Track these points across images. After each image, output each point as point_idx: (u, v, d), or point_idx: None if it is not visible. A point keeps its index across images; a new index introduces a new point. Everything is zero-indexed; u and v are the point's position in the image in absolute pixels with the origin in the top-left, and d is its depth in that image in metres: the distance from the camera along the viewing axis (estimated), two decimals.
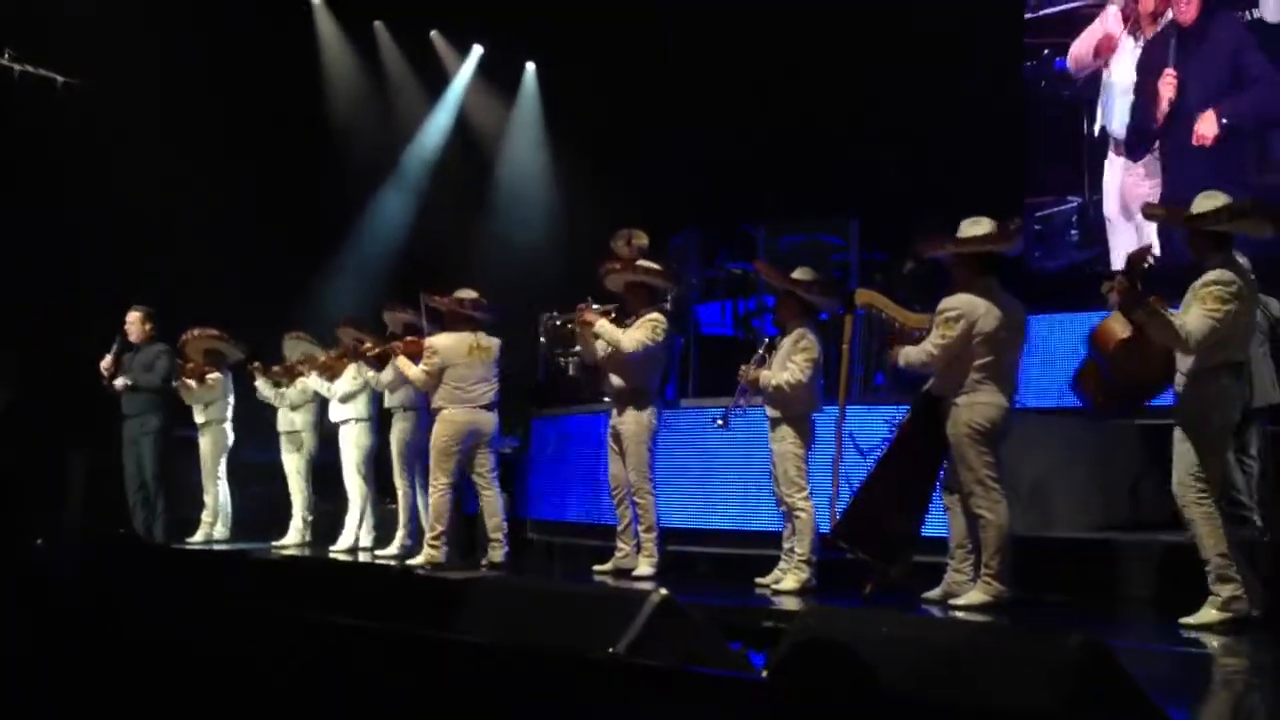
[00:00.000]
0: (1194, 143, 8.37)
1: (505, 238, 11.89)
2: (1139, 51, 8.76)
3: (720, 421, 6.64)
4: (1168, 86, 8.53)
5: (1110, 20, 8.97)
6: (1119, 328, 5.19)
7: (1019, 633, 3.58)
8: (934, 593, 5.80)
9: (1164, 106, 8.55)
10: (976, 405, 5.61)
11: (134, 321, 8.92)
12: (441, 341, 7.50)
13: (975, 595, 5.56)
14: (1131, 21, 8.79)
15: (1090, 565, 6.17)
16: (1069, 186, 9.12)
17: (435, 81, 12.44)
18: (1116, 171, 8.86)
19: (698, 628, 3.25)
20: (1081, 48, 9.11)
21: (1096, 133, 9.01)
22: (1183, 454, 5.06)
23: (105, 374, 8.81)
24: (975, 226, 5.73)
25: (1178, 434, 5.10)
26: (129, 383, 8.79)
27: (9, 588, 3.74)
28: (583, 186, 11.32)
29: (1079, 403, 5.82)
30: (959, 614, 5.42)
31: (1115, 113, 8.89)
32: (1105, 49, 8.98)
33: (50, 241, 9.91)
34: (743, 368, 6.52)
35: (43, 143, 9.58)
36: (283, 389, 8.89)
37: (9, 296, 9.75)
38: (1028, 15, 9.35)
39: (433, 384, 7.48)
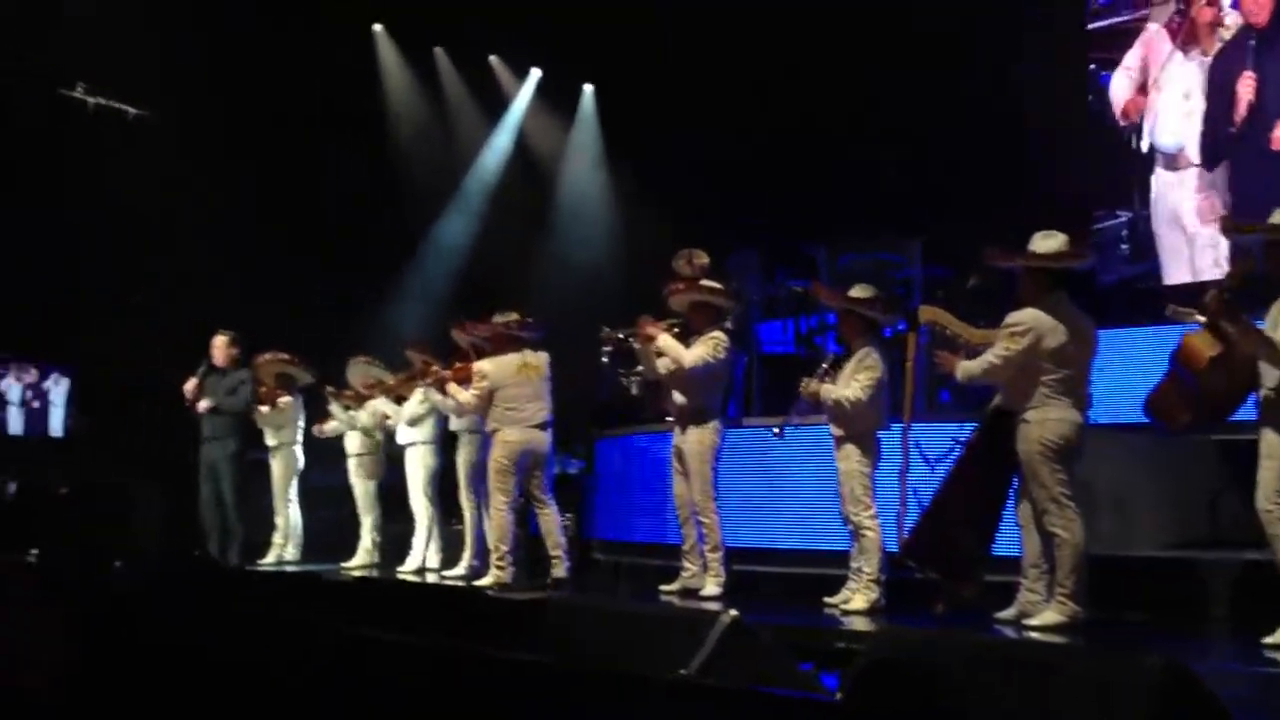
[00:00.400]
0: (1273, 147, 8.17)
1: (565, 258, 11.97)
2: (1201, 62, 8.59)
3: (776, 431, 6.63)
4: (1247, 89, 8.35)
5: (1154, 38, 8.85)
6: (1205, 345, 5.07)
7: (1097, 653, 3.51)
8: (1007, 613, 5.71)
9: (1242, 111, 8.37)
10: (1048, 421, 5.52)
11: (220, 345, 9.05)
12: (489, 365, 7.56)
13: (1050, 615, 5.46)
14: (1183, 35, 8.66)
15: (1169, 584, 6.04)
16: (1119, 200, 8.98)
17: (494, 105, 12.57)
18: (1166, 186, 8.74)
19: (768, 649, 3.22)
20: (1120, 95, 9.02)
21: (1145, 148, 8.88)
22: (1268, 471, 4.94)
23: (189, 396, 8.93)
24: (1048, 241, 5.65)
25: (1264, 450, 4.97)
26: (213, 405, 8.89)
27: (89, 609, 3.81)
28: (641, 206, 11.36)
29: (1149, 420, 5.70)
30: (1034, 634, 5.33)
31: (1167, 127, 8.74)
32: (1133, 109, 8.89)
33: (121, 272, 10.10)
34: (804, 380, 6.49)
35: (110, 172, 9.79)
36: (353, 412, 8.99)
37: (79, 324, 10.00)
38: (1090, 26, 9.24)
39: (484, 407, 7.54)
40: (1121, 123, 9.00)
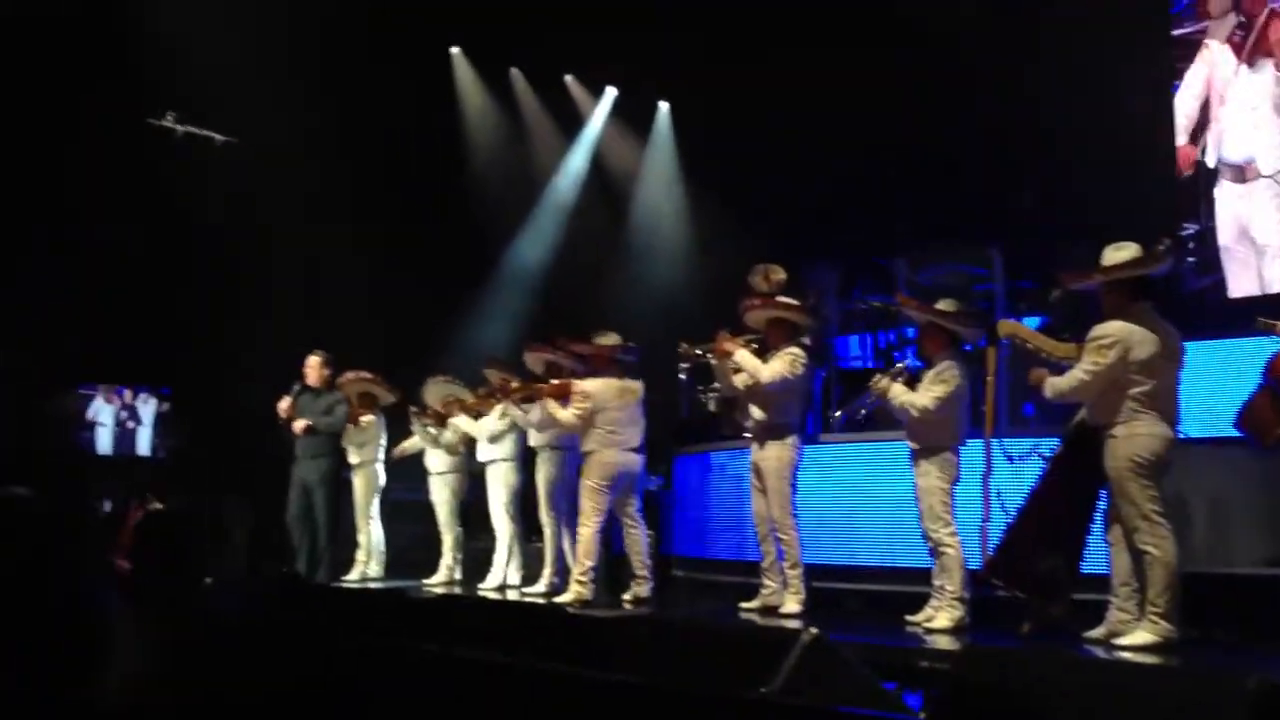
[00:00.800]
0: None
1: (642, 276, 12.01)
2: (1272, 75, 8.44)
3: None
4: None
5: (1216, 54, 8.75)
6: None
7: (1191, 673, 3.43)
8: (1096, 632, 5.59)
9: None
10: (1136, 437, 5.41)
11: (314, 366, 9.18)
12: (593, 386, 7.61)
13: (1142, 635, 5.33)
14: (1249, 49, 8.56)
15: (1263, 601, 5.87)
16: (1187, 213, 8.88)
17: (570, 124, 12.68)
18: (1232, 198, 8.62)
19: (851, 667, 3.19)
20: (1183, 110, 8.93)
21: (1212, 163, 8.75)
22: None
23: (283, 415, 9.07)
24: (1119, 252, 5.56)
25: None
26: (310, 425, 8.98)
27: (180, 627, 3.89)
28: (717, 222, 11.36)
29: (1240, 435, 5.56)
30: (1126, 654, 5.20)
31: (1235, 140, 8.63)
32: (1184, 160, 8.84)
33: (208, 295, 10.35)
34: (876, 376, 6.47)
35: (200, 198, 10.03)
36: (435, 430, 9.07)
37: (173, 347, 10.25)
38: (1176, 32, 9.09)
39: (583, 427, 7.58)
40: (1184, 147, 8.89)
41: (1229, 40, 8.68)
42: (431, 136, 11.65)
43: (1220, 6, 8.76)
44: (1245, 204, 8.53)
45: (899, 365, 6.51)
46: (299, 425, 9.00)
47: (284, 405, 9.05)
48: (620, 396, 7.62)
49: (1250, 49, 8.56)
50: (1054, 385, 5.66)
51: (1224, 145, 8.70)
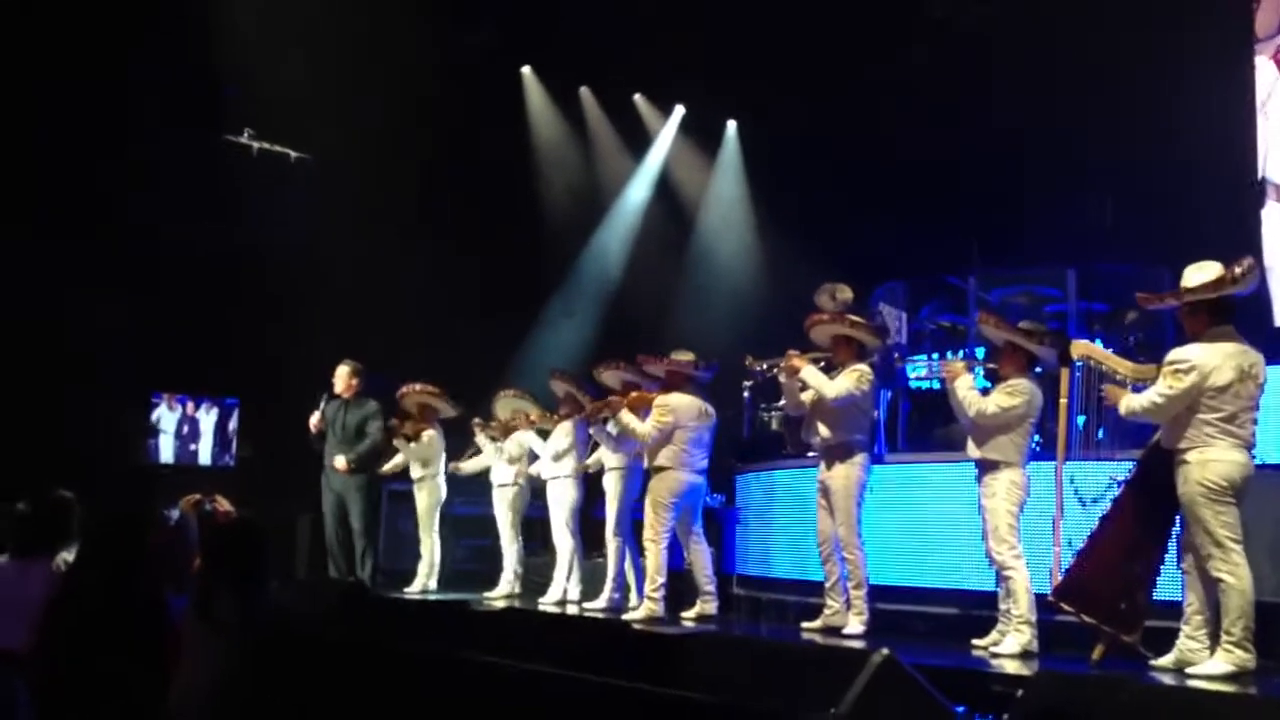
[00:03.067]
0: None
1: (709, 293, 12.00)
2: None
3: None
4: None
5: (1261, 72, 8.65)
6: None
7: (1268, 702, 3.34)
8: (1165, 660, 5.46)
9: None
10: (1210, 462, 5.29)
11: (342, 375, 9.16)
12: (676, 401, 7.61)
13: (1217, 664, 5.20)
14: None
15: None
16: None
17: (639, 142, 12.73)
18: (1277, 219, 8.45)
19: (920, 690, 3.15)
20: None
21: (1260, 179, 8.60)
22: None
23: (314, 430, 9.06)
24: (1199, 273, 5.45)
25: None
26: (350, 464, 8.87)
27: (245, 635, 3.94)
28: (785, 241, 11.33)
29: None
30: (1201, 683, 5.08)
31: (1277, 159, 8.48)
32: None
33: (272, 308, 10.49)
34: (949, 358, 6.41)
35: (271, 212, 10.19)
36: (500, 444, 9.09)
37: (240, 357, 10.41)
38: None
39: (661, 441, 7.56)
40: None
41: (1274, 57, 8.59)
42: (502, 155, 11.75)
43: (1265, 27, 8.68)
44: None
45: (980, 362, 6.44)
46: (340, 464, 8.93)
47: (314, 420, 9.03)
48: (699, 417, 7.63)
49: None
50: (1129, 403, 5.57)
51: (1269, 164, 8.56)
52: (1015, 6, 9.82)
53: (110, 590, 3.92)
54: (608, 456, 8.28)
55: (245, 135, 9.20)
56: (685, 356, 7.73)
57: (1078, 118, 9.39)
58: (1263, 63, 8.70)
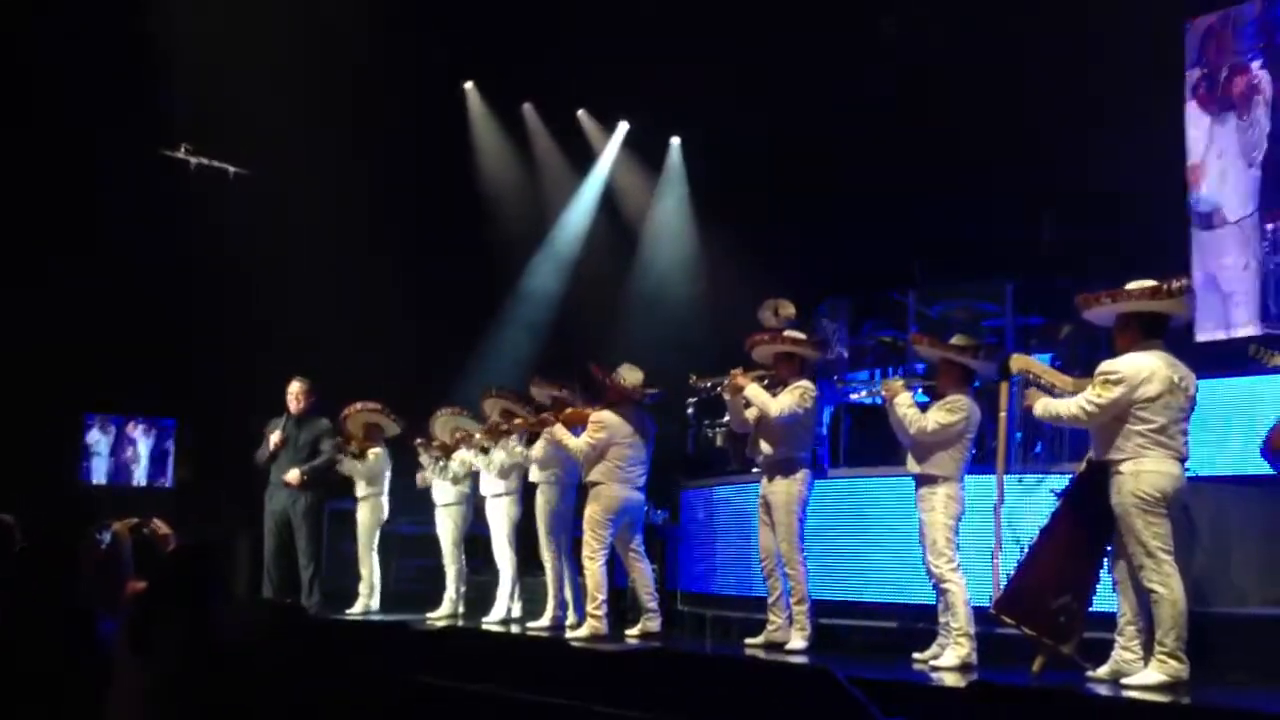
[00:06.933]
0: None
1: (652, 309, 12.01)
2: (1237, 125, 8.79)
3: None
4: None
5: (1189, 108, 9.08)
6: None
7: (1201, 713, 3.40)
8: (1101, 671, 5.53)
9: None
10: (1143, 474, 5.37)
11: (294, 393, 9.07)
12: (610, 418, 7.55)
13: (1151, 674, 5.27)
14: (1217, 102, 8.94)
15: (1274, 641, 5.81)
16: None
17: (582, 158, 12.75)
18: (1203, 245, 8.91)
19: (856, 704, 3.17)
20: None
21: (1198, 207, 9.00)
22: None
23: (273, 449, 8.95)
24: (1138, 283, 5.56)
25: None
26: (303, 477, 8.81)
27: (185, 659, 3.87)
28: (729, 256, 11.39)
29: (1274, 469, 5.53)
30: (1135, 694, 5.15)
31: (1204, 189, 8.91)
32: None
33: (215, 326, 10.36)
34: (889, 377, 6.48)
35: (209, 229, 10.07)
36: (443, 463, 9.01)
37: (177, 378, 10.26)
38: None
39: (594, 458, 7.54)
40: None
41: (1195, 96, 9.05)
42: (444, 170, 11.71)
43: (1189, 59, 9.09)
44: (1212, 250, 8.83)
45: (919, 379, 6.50)
46: (292, 478, 8.85)
47: (275, 438, 8.95)
48: (635, 433, 7.58)
49: (1218, 103, 8.94)
50: (1045, 405, 5.66)
51: (1195, 193, 9.00)
52: (956, 26, 9.97)
53: (39, 610, 3.84)
54: (533, 471, 8.23)
55: (183, 150, 9.08)
56: (633, 375, 7.69)
57: (1017, 135, 9.53)
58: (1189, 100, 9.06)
